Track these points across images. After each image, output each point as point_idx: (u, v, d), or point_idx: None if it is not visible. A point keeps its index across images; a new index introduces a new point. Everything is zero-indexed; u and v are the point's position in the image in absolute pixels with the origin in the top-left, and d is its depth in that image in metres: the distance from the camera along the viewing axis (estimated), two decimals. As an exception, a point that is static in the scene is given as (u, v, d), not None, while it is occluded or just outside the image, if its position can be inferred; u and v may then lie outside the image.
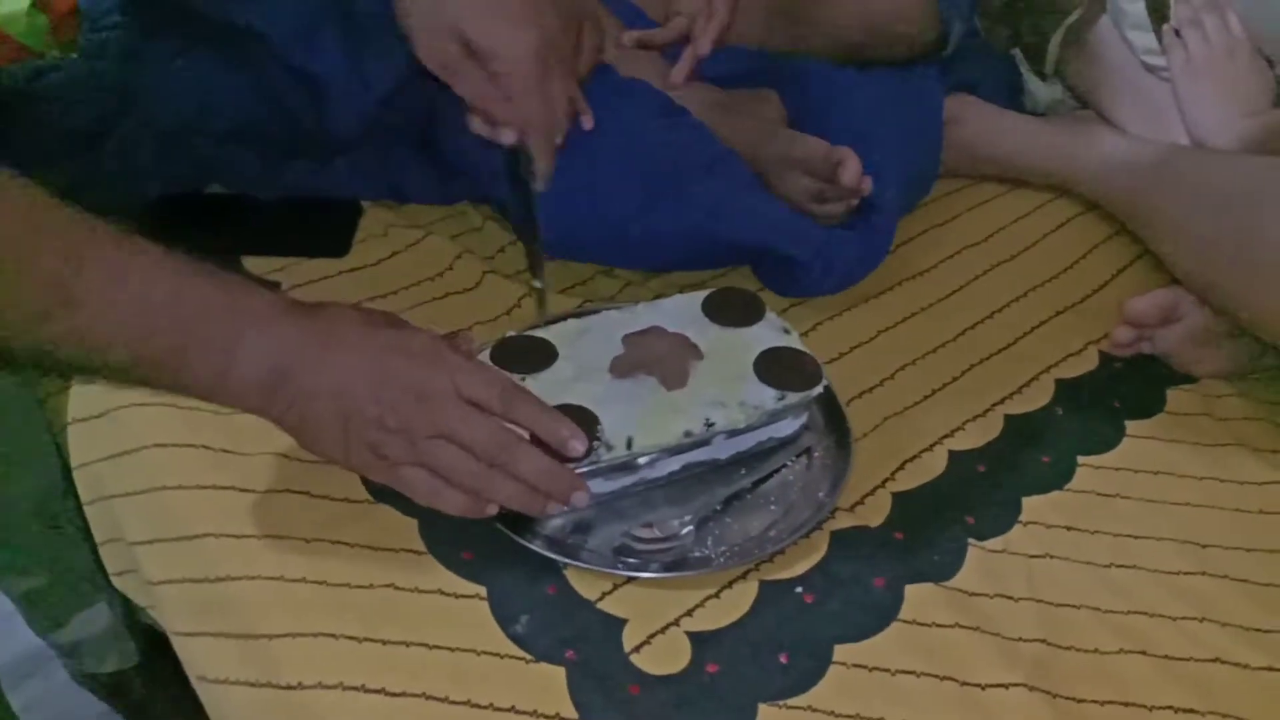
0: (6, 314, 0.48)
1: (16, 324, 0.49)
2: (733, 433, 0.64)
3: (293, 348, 0.55)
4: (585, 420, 0.61)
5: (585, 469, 0.60)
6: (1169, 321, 0.81)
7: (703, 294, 0.70)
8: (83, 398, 0.73)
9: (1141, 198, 0.90)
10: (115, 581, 0.73)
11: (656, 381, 0.64)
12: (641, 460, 0.63)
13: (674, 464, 0.64)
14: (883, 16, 0.96)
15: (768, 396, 0.64)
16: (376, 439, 0.56)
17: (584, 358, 0.65)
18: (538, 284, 0.62)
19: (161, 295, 0.52)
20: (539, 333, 0.67)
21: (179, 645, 0.62)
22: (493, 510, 0.58)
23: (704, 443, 0.64)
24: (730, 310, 0.69)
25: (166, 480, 0.65)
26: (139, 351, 0.52)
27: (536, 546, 0.60)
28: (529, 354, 0.65)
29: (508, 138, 0.60)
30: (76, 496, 0.74)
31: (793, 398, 0.64)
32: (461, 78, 0.59)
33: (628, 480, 0.64)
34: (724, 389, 0.63)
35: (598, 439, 0.60)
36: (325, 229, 0.84)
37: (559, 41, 0.59)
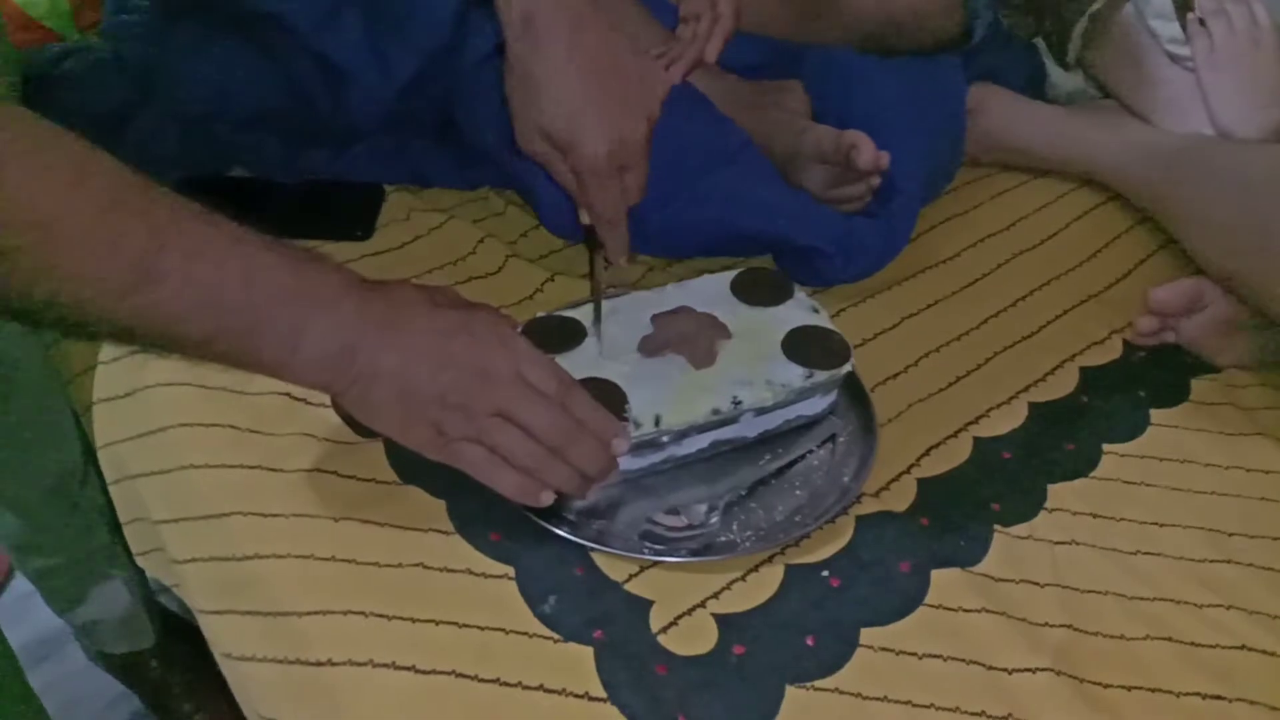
0: (94, 288, 0.49)
1: (103, 299, 0.50)
2: (760, 411, 0.64)
3: (359, 328, 0.56)
4: (613, 397, 0.61)
5: None
6: (1192, 311, 0.81)
7: (731, 274, 0.71)
8: (108, 378, 0.73)
9: (1164, 187, 0.89)
10: (139, 560, 0.73)
11: (685, 360, 0.64)
12: (668, 438, 0.63)
13: (702, 441, 0.64)
14: (905, 9, 0.96)
15: (795, 375, 0.64)
16: (438, 416, 0.56)
17: (613, 337, 0.65)
18: (597, 327, 0.67)
19: (235, 275, 0.53)
20: (569, 313, 0.67)
21: (204, 623, 0.62)
22: (548, 499, 0.58)
23: (732, 420, 0.64)
24: (759, 290, 0.69)
25: (192, 460, 0.65)
26: (213, 328, 0.53)
27: (563, 531, 0.60)
28: (559, 333, 0.65)
29: (583, 218, 0.66)
30: (96, 476, 0.74)
31: (821, 376, 0.64)
32: (550, 166, 0.65)
33: (656, 457, 0.64)
34: (752, 368, 0.64)
35: (626, 416, 0.60)
36: (348, 212, 0.84)
37: (633, 139, 0.63)
